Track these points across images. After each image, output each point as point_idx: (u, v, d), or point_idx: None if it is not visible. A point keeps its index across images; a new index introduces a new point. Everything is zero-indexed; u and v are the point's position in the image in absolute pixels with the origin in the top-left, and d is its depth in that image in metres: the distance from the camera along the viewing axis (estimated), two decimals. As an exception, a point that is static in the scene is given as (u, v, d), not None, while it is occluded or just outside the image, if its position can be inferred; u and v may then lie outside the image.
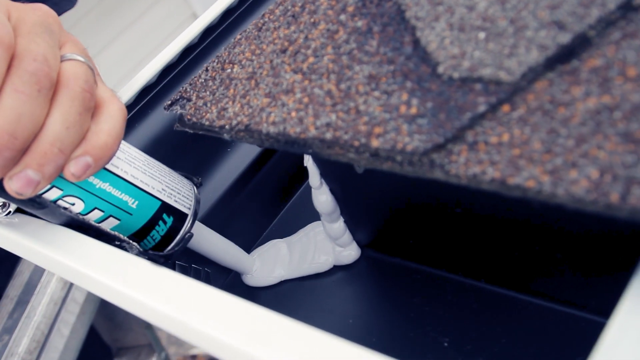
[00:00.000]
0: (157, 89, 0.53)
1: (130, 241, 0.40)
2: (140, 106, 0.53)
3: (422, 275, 0.46)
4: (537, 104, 0.27)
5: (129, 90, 0.52)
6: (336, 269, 0.50)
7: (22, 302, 0.81)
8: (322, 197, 0.46)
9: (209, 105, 0.40)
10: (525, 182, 0.26)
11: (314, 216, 0.51)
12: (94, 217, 0.39)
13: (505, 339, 0.39)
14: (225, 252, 0.48)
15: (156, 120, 0.53)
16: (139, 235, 0.41)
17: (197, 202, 0.44)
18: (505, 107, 0.28)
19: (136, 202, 0.40)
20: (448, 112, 0.29)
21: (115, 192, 0.39)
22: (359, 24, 0.35)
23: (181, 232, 0.42)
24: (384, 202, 0.45)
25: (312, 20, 0.37)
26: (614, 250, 0.35)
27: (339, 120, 0.32)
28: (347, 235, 0.49)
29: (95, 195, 0.39)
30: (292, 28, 0.38)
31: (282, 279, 0.50)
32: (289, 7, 0.39)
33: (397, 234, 0.47)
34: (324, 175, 0.46)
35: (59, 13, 0.80)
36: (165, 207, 0.41)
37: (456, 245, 0.44)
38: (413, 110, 0.30)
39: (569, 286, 0.39)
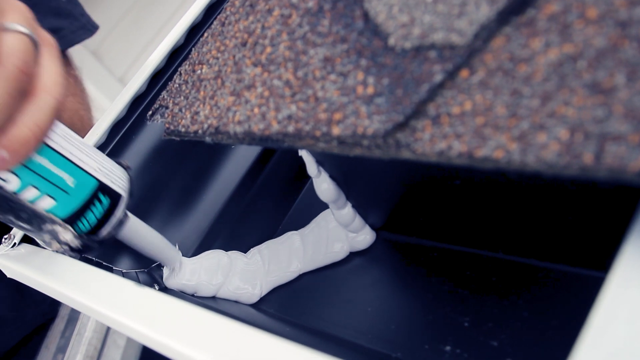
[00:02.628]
0: (149, 98, 0.52)
1: (66, 224, 0.38)
2: (135, 116, 0.52)
3: (438, 253, 0.44)
4: (496, 64, 0.25)
5: (123, 99, 0.51)
6: (352, 255, 0.48)
7: (73, 319, 0.82)
8: (323, 185, 0.44)
9: (183, 110, 0.38)
10: (493, 153, 0.24)
11: (326, 205, 0.49)
12: (28, 196, 0.36)
13: (527, 312, 0.37)
14: (151, 243, 0.45)
15: (149, 132, 0.51)
16: (74, 218, 0.38)
17: (131, 185, 0.42)
18: (464, 73, 0.25)
19: (74, 180, 0.37)
20: (405, 87, 0.26)
21: (53, 169, 0.36)
22: (310, 4, 0.32)
23: (116, 214, 0.40)
24: (386, 181, 0.43)
25: (267, 7, 0.35)
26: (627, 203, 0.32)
27: (300, 111, 0.30)
28: (358, 220, 0.47)
29: (33, 171, 0.35)
30: (251, 18, 0.36)
31: (300, 273, 0.49)
32: (247, -4, 0.37)
33: (407, 213, 0.45)
34: (321, 162, 0.44)
35: (77, 41, 0.78)
36: (101, 187, 0.39)
37: (468, 218, 0.41)
38: (370, 90, 0.28)
39: (588, 249, 0.36)
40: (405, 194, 0.44)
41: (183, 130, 0.38)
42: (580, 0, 0.23)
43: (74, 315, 0.84)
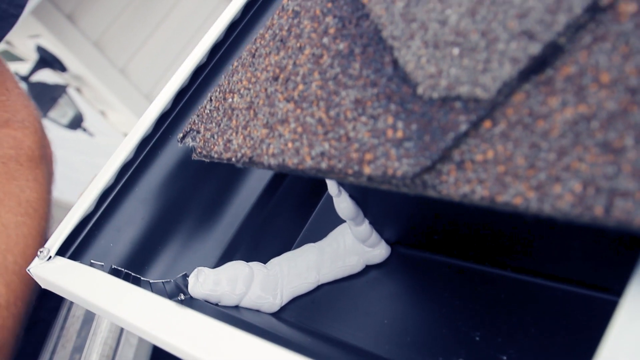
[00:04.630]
0: (173, 114, 0.55)
1: None
2: (160, 133, 0.54)
3: (450, 269, 0.46)
4: (516, 118, 0.27)
5: (148, 117, 0.54)
6: (368, 268, 0.51)
7: (88, 320, 0.85)
8: (342, 204, 0.47)
9: (215, 137, 0.41)
10: (513, 199, 0.27)
11: (341, 218, 0.51)
12: None
13: (534, 329, 0.40)
14: None
15: (174, 147, 0.54)
16: None
17: None
18: (487, 124, 0.28)
19: None
20: (432, 134, 0.29)
21: None
22: (341, 46, 0.35)
23: None
24: (402, 200, 0.46)
25: (298, 44, 0.37)
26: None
27: (332, 149, 0.33)
28: (375, 236, 0.49)
29: None
30: (282, 54, 0.38)
31: (318, 284, 0.52)
32: (277, 31, 0.39)
33: (422, 230, 0.48)
34: (341, 183, 0.47)
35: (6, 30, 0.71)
36: None
37: (479, 236, 0.44)
38: (399, 134, 0.30)
39: (592, 270, 0.39)
40: (419, 212, 0.46)
41: (216, 156, 0.40)
42: (595, 65, 0.25)
43: (90, 315, 0.86)
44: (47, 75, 2.34)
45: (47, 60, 2.32)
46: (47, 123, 2.10)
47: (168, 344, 0.37)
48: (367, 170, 0.31)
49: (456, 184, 0.28)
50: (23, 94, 0.72)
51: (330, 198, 0.59)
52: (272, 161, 0.35)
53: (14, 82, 0.72)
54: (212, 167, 0.55)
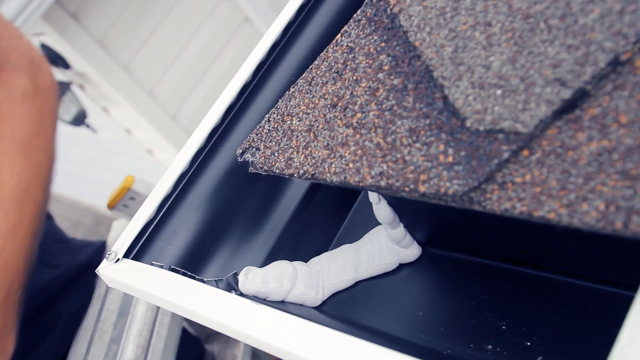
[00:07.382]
0: (222, 128, 0.61)
1: None
2: (210, 146, 0.60)
3: (477, 267, 0.53)
4: (550, 148, 0.34)
5: (201, 131, 0.60)
6: (402, 266, 0.57)
7: (123, 313, 0.91)
8: (382, 210, 0.53)
9: (276, 154, 0.47)
10: (547, 215, 0.33)
11: (376, 220, 0.58)
12: None
13: (553, 318, 0.46)
14: None
15: (222, 159, 0.60)
16: None
17: None
18: (525, 152, 0.34)
19: None
20: (479, 159, 0.35)
21: None
22: (395, 82, 0.41)
23: None
24: (433, 207, 0.52)
25: (354, 77, 0.43)
26: None
27: (390, 170, 0.39)
28: (408, 238, 0.56)
29: None
30: (338, 84, 0.44)
31: (356, 280, 0.58)
32: (333, 64, 0.46)
33: (451, 232, 0.54)
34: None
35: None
36: None
37: (502, 238, 0.50)
38: (450, 159, 0.37)
39: (603, 268, 0.45)
40: (448, 217, 0.53)
41: (277, 171, 0.46)
42: (615, 108, 0.32)
43: (125, 309, 0.93)
44: (51, 74, 2.39)
45: (51, 57, 2.36)
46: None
47: (233, 330, 0.43)
48: (422, 188, 0.37)
49: (499, 201, 0.35)
50: (15, 35, 0.78)
51: (362, 202, 0.66)
52: (335, 178, 0.41)
53: (5, 25, 0.77)
54: (255, 177, 0.61)
